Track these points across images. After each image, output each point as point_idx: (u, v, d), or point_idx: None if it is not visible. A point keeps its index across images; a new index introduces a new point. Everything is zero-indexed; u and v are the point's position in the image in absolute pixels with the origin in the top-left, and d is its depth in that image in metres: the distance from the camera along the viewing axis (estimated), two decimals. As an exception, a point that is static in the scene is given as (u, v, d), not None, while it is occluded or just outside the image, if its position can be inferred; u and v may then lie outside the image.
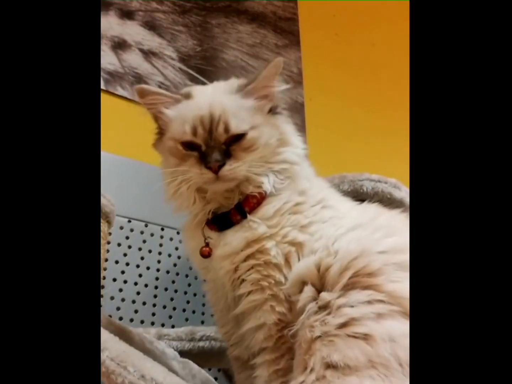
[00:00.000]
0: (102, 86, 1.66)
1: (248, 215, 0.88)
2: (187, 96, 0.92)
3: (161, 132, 0.95)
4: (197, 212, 0.92)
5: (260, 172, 0.88)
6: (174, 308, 1.47)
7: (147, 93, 0.92)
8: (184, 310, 1.48)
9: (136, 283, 1.43)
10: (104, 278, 1.37)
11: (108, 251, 1.39)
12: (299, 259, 0.85)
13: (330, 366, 0.71)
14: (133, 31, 1.81)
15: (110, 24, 1.76)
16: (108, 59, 1.71)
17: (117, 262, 1.42)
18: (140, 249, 1.47)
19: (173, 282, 1.49)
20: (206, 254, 0.89)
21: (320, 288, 0.80)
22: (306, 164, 0.96)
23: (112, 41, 1.75)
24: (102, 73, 1.67)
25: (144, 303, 1.43)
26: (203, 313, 1.49)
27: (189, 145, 0.88)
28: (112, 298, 1.38)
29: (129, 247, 1.46)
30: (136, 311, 1.41)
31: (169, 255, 1.50)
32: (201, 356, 1.17)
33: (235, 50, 2.06)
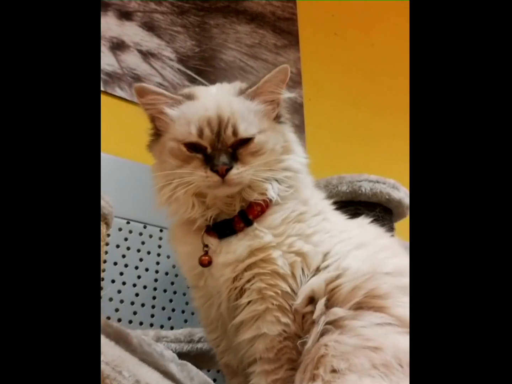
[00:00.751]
0: (101, 87, 1.66)
1: (254, 224, 0.86)
2: (189, 97, 0.89)
3: (157, 133, 0.92)
4: (195, 218, 0.89)
5: (264, 178, 0.86)
6: (173, 310, 1.47)
7: (147, 92, 0.89)
8: (183, 312, 1.48)
9: (134, 285, 1.43)
10: (102, 279, 1.37)
11: (106, 252, 1.39)
12: (302, 270, 0.85)
13: (335, 371, 0.73)
14: (131, 32, 1.81)
15: (108, 25, 1.76)
16: (106, 60, 1.71)
17: (115, 263, 1.42)
18: (139, 250, 1.47)
19: (172, 283, 1.49)
20: (205, 263, 0.86)
21: (329, 304, 0.81)
22: (307, 173, 0.95)
23: (110, 42, 1.75)
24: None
25: (143, 305, 1.43)
26: (202, 315, 1.49)
27: (193, 147, 0.85)
28: (110, 299, 1.38)
29: (128, 248, 1.46)
30: (135, 313, 1.41)
31: (168, 257, 1.50)
32: (199, 357, 1.17)
33: (234, 51, 2.06)
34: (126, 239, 1.46)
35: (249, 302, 0.84)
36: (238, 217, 0.87)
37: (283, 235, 0.86)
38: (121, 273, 1.42)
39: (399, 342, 0.75)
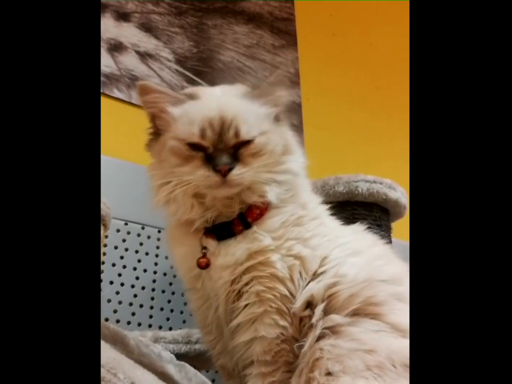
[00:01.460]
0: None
1: (253, 227, 0.86)
2: (192, 97, 0.90)
3: (157, 132, 0.92)
4: (194, 219, 0.88)
5: (264, 180, 0.86)
6: (172, 310, 1.47)
7: (150, 90, 0.89)
8: (181, 312, 1.48)
9: (133, 286, 1.44)
10: (101, 281, 1.37)
11: (104, 254, 1.39)
12: (300, 274, 0.85)
13: (330, 374, 0.74)
14: (129, 33, 1.81)
15: (106, 26, 1.76)
16: (104, 62, 1.71)
17: (114, 264, 1.42)
18: (137, 251, 1.48)
19: (170, 284, 1.49)
20: (203, 265, 0.86)
21: (326, 309, 0.82)
22: (305, 177, 0.96)
23: (108, 44, 1.75)
24: (98, 76, 1.68)
25: (141, 306, 1.43)
26: (200, 315, 1.49)
27: (194, 146, 0.85)
28: (109, 300, 1.38)
29: (126, 249, 1.46)
30: (133, 314, 1.41)
31: (166, 258, 1.50)
32: (197, 358, 1.17)
33: (232, 51, 2.07)
34: (124, 241, 1.46)
35: (246, 304, 0.85)
36: (237, 219, 0.87)
37: (282, 238, 0.86)
38: (119, 274, 1.42)
39: (392, 344, 0.76)
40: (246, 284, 0.85)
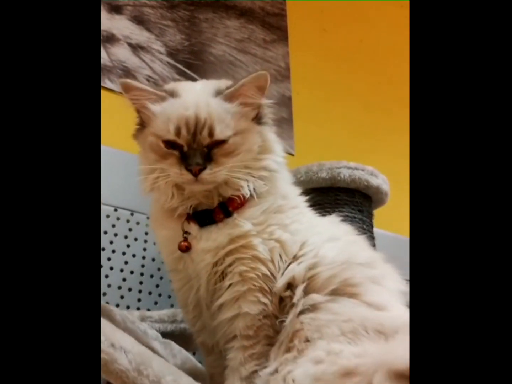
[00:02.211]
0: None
1: (234, 215, 0.90)
2: (173, 94, 0.92)
3: (142, 124, 0.96)
4: (176, 206, 0.93)
5: (240, 176, 0.89)
6: (160, 295, 1.50)
7: (131, 88, 0.93)
8: (169, 297, 1.51)
9: (122, 270, 1.47)
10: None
11: (94, 238, 1.41)
12: (281, 256, 0.90)
13: (308, 341, 0.81)
14: (121, 26, 1.84)
15: (98, 18, 1.79)
16: (96, 53, 1.74)
17: (103, 249, 1.45)
18: (126, 237, 1.50)
19: (159, 269, 1.52)
20: (183, 248, 0.91)
21: (307, 290, 0.87)
22: (285, 170, 1.00)
23: (100, 35, 1.78)
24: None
25: (129, 289, 1.46)
26: (188, 300, 1.52)
27: (170, 144, 0.89)
28: (98, 284, 1.41)
29: (115, 235, 1.49)
30: (122, 297, 1.44)
31: (155, 243, 1.52)
32: (183, 337, 1.20)
33: (223, 45, 2.09)
34: (113, 226, 1.49)
35: (230, 284, 0.89)
36: (218, 208, 0.91)
37: (263, 224, 0.90)
38: (109, 259, 1.45)
39: (367, 313, 0.82)
40: (229, 265, 0.90)
